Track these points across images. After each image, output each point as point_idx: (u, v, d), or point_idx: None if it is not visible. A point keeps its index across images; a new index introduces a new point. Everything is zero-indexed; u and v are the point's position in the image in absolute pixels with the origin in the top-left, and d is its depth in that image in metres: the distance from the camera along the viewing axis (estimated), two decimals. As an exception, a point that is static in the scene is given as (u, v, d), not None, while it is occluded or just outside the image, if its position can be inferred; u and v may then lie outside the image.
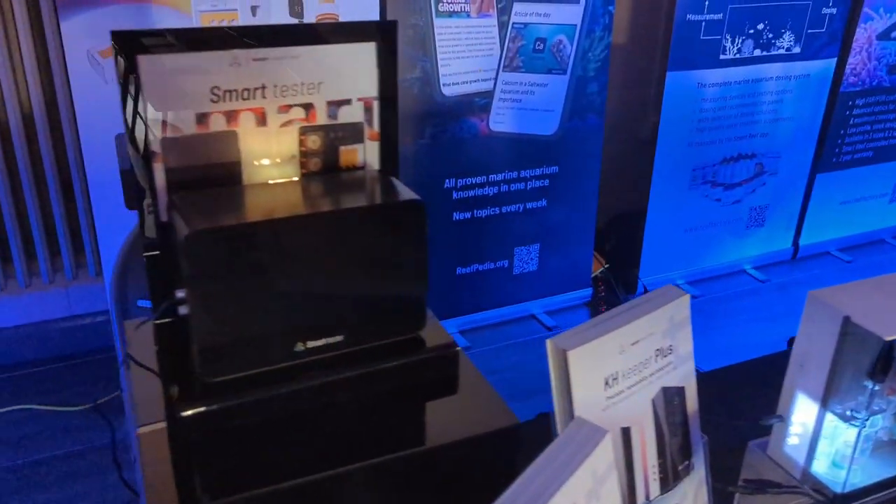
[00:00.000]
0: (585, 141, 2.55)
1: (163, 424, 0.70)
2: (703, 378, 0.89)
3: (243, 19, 1.94)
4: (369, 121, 0.80)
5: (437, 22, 2.21)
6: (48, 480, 1.93)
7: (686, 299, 0.89)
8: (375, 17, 2.09)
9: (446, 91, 2.28)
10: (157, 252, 0.78)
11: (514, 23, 2.31)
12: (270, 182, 0.76)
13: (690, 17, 2.48)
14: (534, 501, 0.57)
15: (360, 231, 0.71)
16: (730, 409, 1.20)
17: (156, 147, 0.72)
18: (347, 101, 0.78)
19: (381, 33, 0.76)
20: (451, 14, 2.22)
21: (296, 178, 0.78)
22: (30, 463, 1.98)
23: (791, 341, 1.40)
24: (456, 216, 2.45)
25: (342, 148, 0.79)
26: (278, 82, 0.74)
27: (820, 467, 0.87)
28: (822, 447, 0.86)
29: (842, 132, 2.99)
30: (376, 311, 0.75)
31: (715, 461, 0.92)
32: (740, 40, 2.61)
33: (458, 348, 0.80)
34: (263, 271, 0.67)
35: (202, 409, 0.67)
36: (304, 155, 0.78)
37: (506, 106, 2.39)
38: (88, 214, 2.27)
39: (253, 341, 0.70)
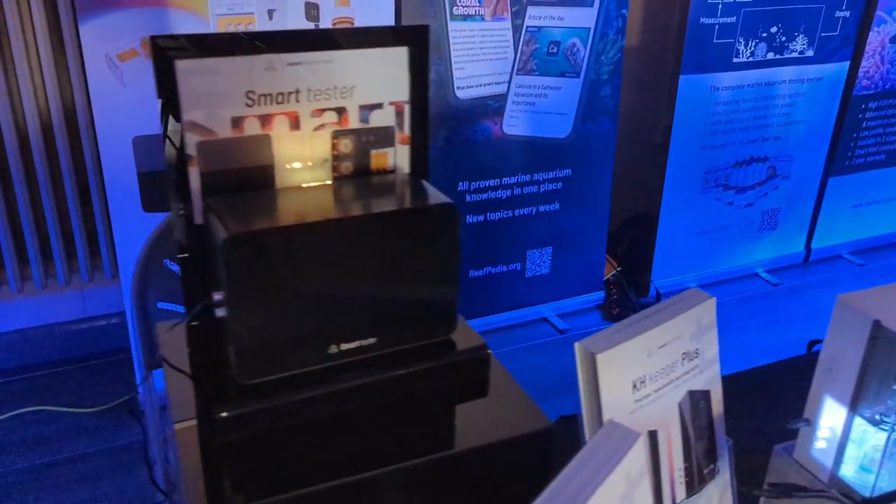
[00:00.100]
0: (598, 144, 2.55)
1: (198, 417, 0.70)
2: (722, 382, 0.90)
3: (259, 23, 1.95)
4: (400, 124, 0.80)
5: (451, 25, 2.21)
6: (63, 482, 1.94)
7: (712, 303, 0.89)
8: (390, 20, 2.10)
9: (460, 94, 2.29)
10: (188, 255, 0.79)
11: (527, 26, 2.32)
12: (304, 185, 0.77)
13: (704, 20, 2.49)
14: (570, 504, 0.57)
15: (394, 234, 0.72)
16: (750, 413, 1.20)
17: (191, 151, 0.72)
18: (379, 105, 0.78)
19: (414, 38, 0.77)
20: (465, 17, 2.23)
21: (328, 182, 0.78)
22: (45, 464, 1.99)
23: (811, 345, 1.40)
24: (469, 219, 2.45)
25: (373, 151, 0.79)
26: (312, 86, 0.74)
27: (848, 471, 0.87)
28: (851, 451, 0.86)
29: (854, 135, 2.98)
30: (408, 313, 0.75)
31: (738, 465, 0.92)
32: (753, 43, 2.61)
33: (489, 351, 0.80)
34: (299, 274, 0.68)
35: (238, 410, 0.68)
36: (336, 158, 0.78)
37: (519, 109, 2.40)
38: (105, 217, 2.28)
39: (288, 343, 0.70)
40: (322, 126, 0.77)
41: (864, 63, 2.84)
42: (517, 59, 2.34)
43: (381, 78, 0.77)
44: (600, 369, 0.78)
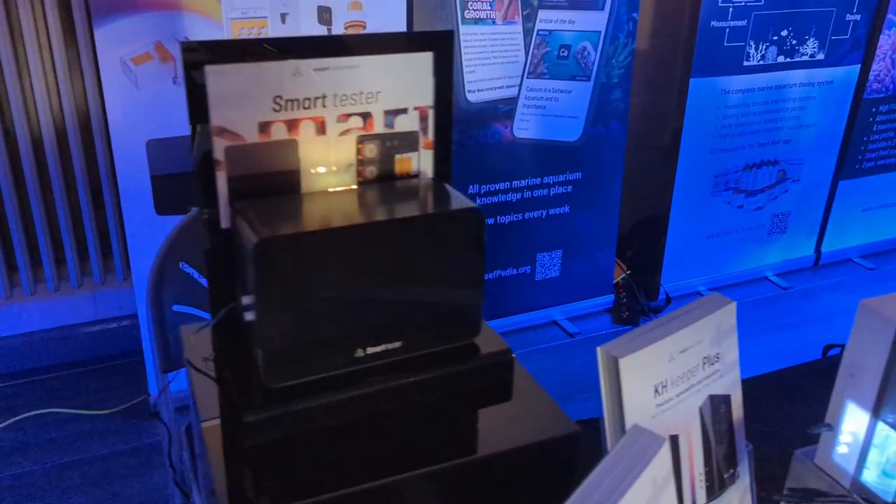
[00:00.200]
0: (608, 147, 2.55)
1: (226, 420, 0.71)
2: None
3: (272, 26, 1.96)
4: (424, 129, 0.81)
5: (462, 29, 2.22)
6: (75, 484, 1.95)
7: (732, 307, 0.89)
8: (402, 23, 2.11)
9: (471, 97, 2.29)
10: (214, 259, 0.79)
11: (538, 30, 2.32)
12: (330, 190, 0.77)
13: (714, 23, 2.49)
14: (597, 509, 0.57)
15: (421, 239, 0.72)
16: (767, 419, 1.20)
17: (219, 155, 0.73)
18: (404, 110, 0.79)
19: (439, 43, 0.77)
20: (476, 21, 2.24)
21: (353, 186, 0.79)
22: (57, 466, 2.00)
23: (826, 349, 1.40)
24: (480, 222, 2.46)
25: (397, 156, 0.80)
26: (338, 91, 0.75)
27: (870, 477, 0.87)
28: (873, 456, 0.86)
29: (865, 139, 2.98)
30: (433, 317, 0.76)
31: (756, 469, 0.92)
32: (764, 47, 2.61)
33: (513, 355, 0.81)
34: (327, 278, 0.68)
35: (266, 414, 0.68)
36: (361, 163, 0.79)
37: (530, 112, 2.40)
38: (117, 219, 2.30)
39: (315, 347, 0.70)
40: (347, 131, 0.77)
41: (874, 66, 2.83)
42: (528, 62, 2.34)
43: (406, 83, 0.78)
44: (623, 374, 0.78)
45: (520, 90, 2.36)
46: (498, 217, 2.49)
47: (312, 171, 0.77)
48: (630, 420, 0.77)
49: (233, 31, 1.93)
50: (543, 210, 2.55)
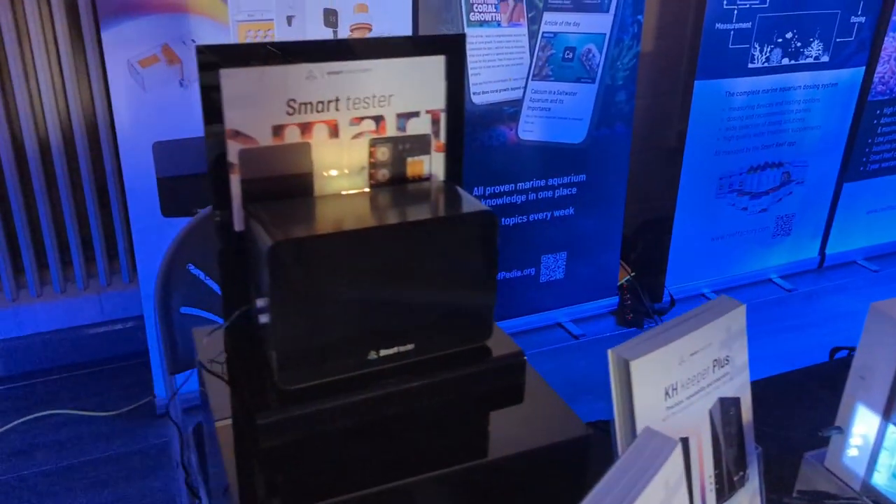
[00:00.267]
0: (613, 149, 2.55)
1: (239, 422, 0.71)
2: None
3: (279, 29, 1.97)
4: (436, 132, 0.81)
5: (468, 31, 2.22)
6: (82, 485, 1.95)
7: (742, 310, 0.89)
8: (408, 26, 2.11)
9: (476, 99, 2.30)
10: (227, 261, 0.79)
11: (543, 32, 2.33)
12: (343, 193, 0.78)
13: (719, 25, 2.49)
14: (611, 512, 0.57)
15: (434, 241, 0.72)
16: (774, 421, 1.19)
17: (233, 158, 0.73)
18: (416, 114, 0.79)
19: (451, 47, 0.78)
20: (481, 23, 2.24)
21: (365, 189, 0.79)
22: (63, 468, 2.00)
23: (833, 352, 1.40)
24: (484, 224, 2.46)
25: (409, 159, 0.80)
26: (351, 95, 0.75)
27: (880, 479, 0.87)
28: (883, 459, 0.86)
29: (869, 141, 2.98)
30: (446, 319, 0.76)
31: (765, 472, 0.92)
32: (769, 49, 2.61)
33: (525, 357, 0.81)
34: (341, 281, 0.69)
35: (280, 416, 0.69)
36: (373, 166, 0.79)
37: (535, 114, 2.41)
38: (124, 221, 2.30)
39: (329, 349, 0.71)
40: (360, 134, 0.77)
41: (879, 68, 2.84)
42: (533, 64, 2.35)
43: (418, 86, 0.78)
44: (634, 376, 0.78)
45: (525, 92, 2.36)
46: (502, 219, 2.49)
47: (325, 174, 0.77)
48: (640, 423, 0.77)
49: (239, 34, 1.94)
50: (548, 212, 2.55)
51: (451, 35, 0.78)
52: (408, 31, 2.10)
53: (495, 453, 0.71)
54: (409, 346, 0.74)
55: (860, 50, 2.78)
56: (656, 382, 0.80)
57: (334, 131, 0.75)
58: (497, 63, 2.31)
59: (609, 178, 2.59)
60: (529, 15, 2.29)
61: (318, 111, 0.74)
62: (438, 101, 0.79)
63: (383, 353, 0.73)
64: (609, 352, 0.79)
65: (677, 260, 2.80)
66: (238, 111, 0.71)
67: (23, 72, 2.08)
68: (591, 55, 2.40)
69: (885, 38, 2.79)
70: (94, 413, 2.18)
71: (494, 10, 2.25)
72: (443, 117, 0.80)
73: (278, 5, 1.94)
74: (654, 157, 2.82)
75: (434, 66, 0.77)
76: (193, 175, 2.01)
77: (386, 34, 2.06)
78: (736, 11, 2.49)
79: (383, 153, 0.78)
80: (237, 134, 0.72)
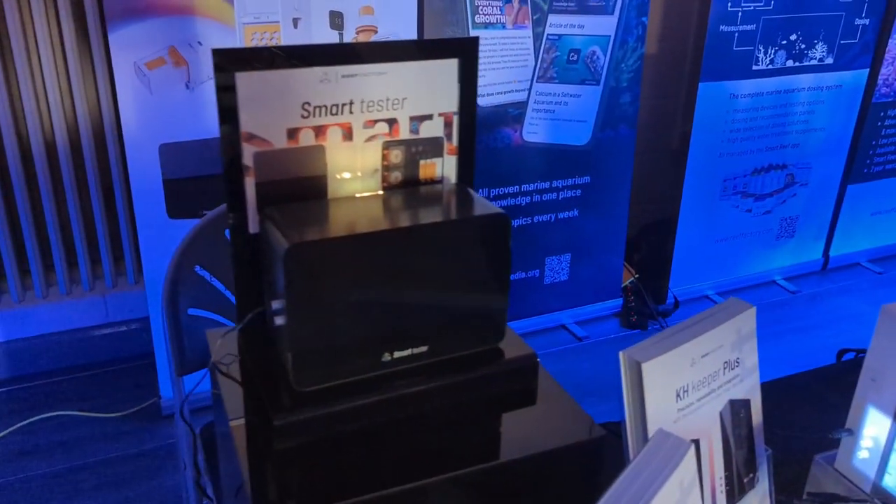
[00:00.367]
0: (617, 151, 2.56)
1: (255, 423, 0.71)
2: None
3: (285, 31, 1.97)
4: (448, 135, 0.82)
5: (473, 33, 2.23)
6: (87, 486, 1.95)
7: (752, 312, 0.89)
8: (413, 28, 2.12)
9: (481, 101, 2.30)
10: (241, 263, 0.80)
11: (548, 34, 2.33)
12: (357, 196, 0.78)
13: (723, 27, 2.49)
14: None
15: (447, 244, 0.72)
16: (783, 423, 1.20)
17: (248, 161, 0.74)
18: (429, 117, 0.79)
19: (464, 50, 0.78)
20: (486, 26, 2.25)
21: (379, 192, 0.79)
22: (69, 469, 2.01)
23: (840, 354, 1.40)
24: (489, 226, 2.46)
25: (422, 162, 0.80)
26: (365, 98, 0.76)
27: (891, 482, 0.88)
28: (895, 461, 0.87)
29: (873, 143, 2.98)
30: (459, 322, 0.76)
31: (774, 474, 0.92)
32: (773, 51, 2.61)
33: (538, 359, 0.81)
34: (356, 283, 0.69)
35: (295, 417, 0.69)
36: (386, 169, 0.79)
37: (539, 116, 2.41)
38: (129, 223, 2.31)
39: (344, 351, 0.71)
40: (373, 137, 0.78)
41: (883, 70, 2.84)
42: (537, 66, 2.35)
43: (432, 89, 0.78)
44: (645, 378, 0.79)
45: (529, 94, 2.37)
46: (507, 221, 2.49)
47: (338, 176, 0.77)
48: (652, 425, 0.77)
49: (245, 36, 1.94)
50: (552, 214, 2.55)
51: (464, 38, 0.78)
52: (413, 34, 2.11)
53: (509, 455, 0.71)
54: (423, 348, 0.74)
55: (864, 52, 2.78)
56: (667, 384, 0.80)
57: (348, 134, 0.76)
58: (502, 65, 2.31)
59: (613, 179, 2.60)
60: (534, 17, 2.29)
61: (332, 114, 0.74)
62: (451, 104, 0.79)
63: (397, 354, 0.73)
64: (620, 354, 0.79)
65: (681, 262, 2.80)
66: (253, 114, 0.71)
67: (30, 74, 2.09)
68: (595, 57, 2.40)
69: (889, 41, 2.79)
70: (100, 414, 2.19)
71: (499, 13, 2.25)
72: (455, 120, 0.80)
73: (284, 8, 1.95)
74: (659, 159, 2.82)
75: (447, 70, 0.78)
76: (199, 177, 2.01)
77: (391, 37, 2.06)
78: (740, 13, 2.50)
79: (396, 156, 0.78)
80: (252, 137, 0.72)
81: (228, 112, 0.70)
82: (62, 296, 2.36)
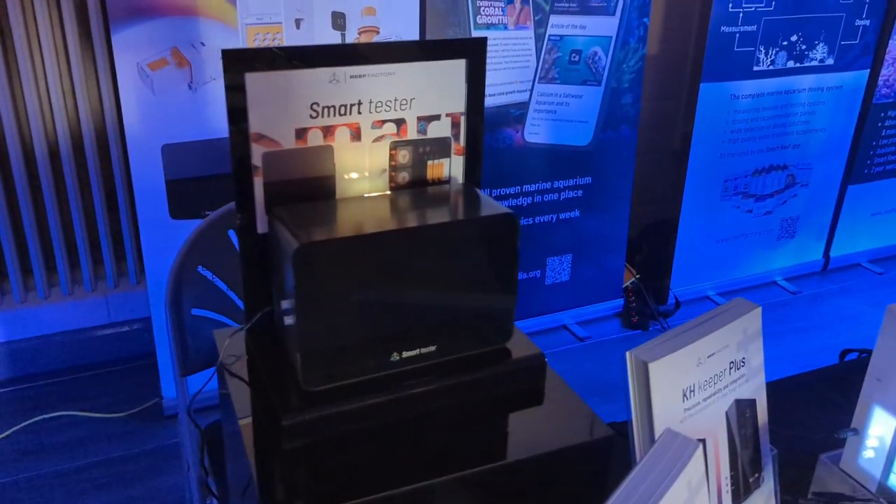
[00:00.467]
0: (619, 152, 2.56)
1: (263, 423, 0.71)
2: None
3: (287, 32, 1.97)
4: (456, 135, 0.82)
5: (474, 34, 2.23)
6: (89, 486, 1.95)
7: (758, 312, 0.89)
8: (415, 29, 2.12)
9: (483, 102, 2.30)
10: (247, 263, 0.80)
11: (550, 35, 2.33)
12: (365, 196, 0.78)
13: (724, 28, 2.50)
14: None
15: (456, 244, 0.73)
16: (787, 423, 1.20)
17: (256, 161, 0.74)
18: (437, 117, 0.79)
19: (472, 50, 0.78)
20: (488, 26, 2.25)
21: (386, 192, 0.80)
22: (71, 469, 2.01)
23: (843, 354, 1.40)
24: (491, 226, 2.46)
25: (430, 162, 0.81)
26: (374, 98, 0.76)
27: (897, 481, 0.88)
28: (900, 461, 0.87)
29: (874, 143, 2.98)
30: (467, 321, 0.76)
31: (779, 474, 0.92)
32: (774, 52, 2.62)
33: (545, 359, 0.81)
34: (365, 283, 0.69)
35: (304, 417, 0.69)
36: (394, 169, 0.79)
37: (541, 117, 2.41)
38: (132, 223, 2.31)
39: (353, 351, 0.71)
40: (381, 137, 0.78)
41: (883, 71, 2.84)
42: (539, 67, 2.35)
43: (439, 90, 0.78)
44: (652, 378, 0.79)
45: (531, 95, 2.37)
46: (509, 221, 2.49)
47: (346, 176, 0.78)
48: (658, 424, 0.78)
49: (248, 37, 1.94)
50: (553, 214, 2.56)
51: (472, 39, 0.78)
52: (415, 35, 2.11)
53: (518, 455, 0.71)
54: (431, 348, 0.74)
55: (865, 53, 2.79)
56: (674, 384, 0.80)
57: (356, 134, 0.76)
58: (503, 66, 2.31)
59: (614, 180, 2.60)
60: (536, 18, 2.30)
61: (340, 114, 0.75)
62: (459, 104, 0.80)
63: (405, 354, 0.73)
64: (627, 353, 0.79)
65: (682, 262, 2.80)
66: (262, 114, 0.72)
67: (33, 75, 2.09)
68: (597, 58, 2.40)
69: (890, 42, 2.80)
70: (102, 414, 2.19)
71: (501, 13, 2.25)
72: (463, 120, 0.80)
73: (286, 8, 1.95)
74: (660, 160, 2.83)
75: (455, 70, 0.78)
76: (202, 177, 2.02)
77: (393, 37, 2.06)
78: (741, 14, 2.50)
79: (404, 156, 0.78)
80: (261, 137, 0.73)
81: (237, 112, 0.71)
82: (64, 296, 2.36)
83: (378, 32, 2.06)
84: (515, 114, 2.36)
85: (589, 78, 2.42)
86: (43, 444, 2.09)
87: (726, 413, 0.87)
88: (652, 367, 0.78)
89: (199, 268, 1.44)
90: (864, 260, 3.21)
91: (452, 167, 0.82)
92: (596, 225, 2.63)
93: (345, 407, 0.71)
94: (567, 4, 2.32)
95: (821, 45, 2.68)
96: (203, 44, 1.91)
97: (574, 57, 2.39)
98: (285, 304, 0.70)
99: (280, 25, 1.97)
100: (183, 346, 1.35)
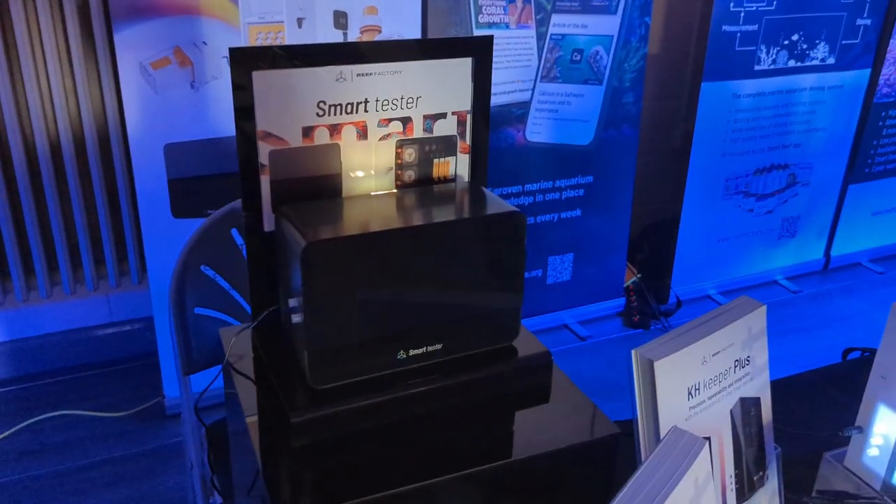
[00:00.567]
0: (620, 151, 2.56)
1: (271, 421, 0.71)
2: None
3: (289, 31, 1.97)
4: (461, 134, 0.82)
5: (476, 33, 2.23)
6: (91, 485, 1.96)
7: (762, 311, 0.90)
8: (417, 28, 2.12)
9: (485, 101, 2.30)
10: (253, 261, 0.80)
11: (551, 34, 2.33)
12: (371, 194, 0.78)
13: (726, 27, 2.50)
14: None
15: (462, 242, 0.73)
16: (791, 421, 1.20)
17: (263, 159, 0.74)
18: (443, 115, 0.80)
19: (479, 49, 0.78)
20: (490, 25, 2.25)
21: (392, 190, 0.80)
22: (71, 468, 2.01)
23: (846, 353, 1.40)
24: (492, 225, 2.46)
25: (436, 160, 0.81)
26: (380, 96, 0.76)
27: (901, 479, 0.88)
28: (905, 458, 0.87)
29: (874, 143, 2.99)
30: (474, 319, 0.77)
31: (784, 472, 0.92)
32: (775, 51, 2.62)
33: (552, 357, 0.81)
34: (372, 281, 0.69)
35: (311, 415, 0.69)
36: (400, 167, 0.80)
37: (542, 116, 2.41)
38: (133, 223, 2.31)
39: (359, 349, 0.71)
40: (388, 135, 0.78)
41: (884, 70, 2.85)
42: (541, 66, 2.35)
43: (446, 88, 0.79)
44: (658, 376, 0.79)
45: (532, 94, 2.37)
46: (510, 220, 2.49)
47: (352, 174, 0.78)
48: (664, 422, 0.78)
49: (250, 36, 1.94)
50: (555, 213, 2.56)
51: (478, 37, 0.79)
52: (417, 34, 2.11)
53: (524, 453, 0.71)
54: (438, 346, 0.74)
55: (866, 52, 2.79)
56: (679, 382, 0.81)
57: (363, 132, 0.76)
58: (505, 65, 2.31)
59: (616, 179, 2.60)
60: (538, 17, 2.30)
61: (347, 113, 0.75)
62: (465, 102, 0.80)
63: (412, 352, 0.73)
64: (633, 352, 0.79)
65: (683, 261, 2.80)
66: (268, 112, 0.72)
67: (35, 74, 2.09)
68: (598, 57, 2.41)
69: (891, 41, 2.80)
70: (104, 414, 2.19)
71: (503, 12, 2.25)
72: (469, 119, 0.80)
73: (288, 8, 1.95)
74: (661, 159, 2.83)
75: (461, 69, 0.78)
76: (204, 176, 2.02)
77: (395, 36, 2.07)
78: (743, 14, 2.50)
79: (410, 154, 0.78)
80: (268, 135, 0.73)
81: (244, 110, 0.71)
82: (66, 295, 2.36)
83: (380, 31, 2.06)
84: (517, 113, 2.36)
85: (590, 77, 2.42)
86: (44, 444, 2.09)
87: (731, 411, 0.87)
88: (657, 365, 0.78)
89: (202, 267, 1.44)
90: (864, 259, 3.21)
91: (458, 165, 0.83)
92: (597, 224, 2.63)
93: (352, 405, 0.71)
94: (569, 3, 2.32)
95: (822, 44, 2.69)
96: (205, 43, 1.91)
97: (576, 56, 2.39)
98: (292, 303, 0.70)
99: (282, 24, 1.97)
100: (186, 345, 1.35)
